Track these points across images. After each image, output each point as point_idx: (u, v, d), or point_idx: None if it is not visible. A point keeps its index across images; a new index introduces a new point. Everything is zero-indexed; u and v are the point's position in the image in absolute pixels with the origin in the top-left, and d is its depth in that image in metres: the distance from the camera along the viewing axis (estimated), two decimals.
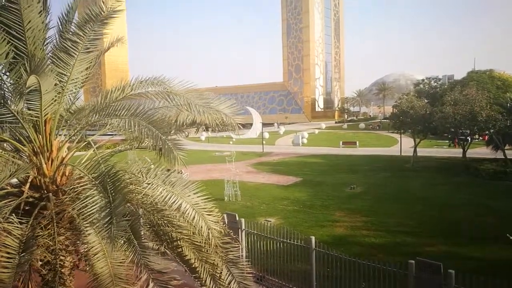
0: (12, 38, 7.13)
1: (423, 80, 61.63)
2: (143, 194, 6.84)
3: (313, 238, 11.77)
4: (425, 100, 42.72)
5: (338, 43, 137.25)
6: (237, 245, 8.30)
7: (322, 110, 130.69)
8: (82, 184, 6.50)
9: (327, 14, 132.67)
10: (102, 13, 7.75)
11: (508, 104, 35.38)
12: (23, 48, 7.26)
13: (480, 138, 50.58)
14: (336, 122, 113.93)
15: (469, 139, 41.68)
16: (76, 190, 6.59)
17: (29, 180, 6.90)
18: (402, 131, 44.17)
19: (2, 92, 7.61)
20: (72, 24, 8.32)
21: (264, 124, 76.43)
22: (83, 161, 7.38)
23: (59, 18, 8.35)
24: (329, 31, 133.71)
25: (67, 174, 7.52)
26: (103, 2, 7.80)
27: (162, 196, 6.51)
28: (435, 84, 55.45)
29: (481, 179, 30.61)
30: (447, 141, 53.34)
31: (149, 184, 6.78)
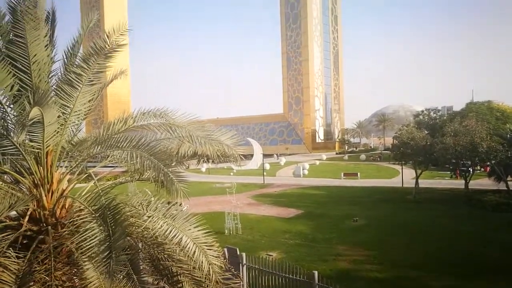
0: (18, 71, 7.24)
1: (422, 111, 62.08)
2: (144, 228, 6.73)
3: (315, 273, 11.50)
4: (425, 131, 42.90)
5: (337, 76, 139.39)
6: (238, 281, 8.10)
7: (323, 141, 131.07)
8: (81, 216, 6.41)
9: (326, 48, 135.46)
10: (106, 46, 7.89)
11: (508, 135, 35.49)
12: (28, 81, 7.36)
13: (482, 169, 50.42)
14: (336, 153, 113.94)
15: (471, 170, 41.53)
16: (75, 223, 6.48)
17: (28, 212, 6.80)
18: (403, 162, 44.09)
19: (6, 124, 7.64)
20: (77, 57, 8.48)
21: (265, 155, 76.44)
22: (83, 193, 7.31)
23: (64, 52, 8.52)
24: (328, 64, 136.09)
25: (67, 207, 7.43)
26: (107, 36, 7.96)
27: (163, 229, 6.41)
28: (435, 115, 55.79)
29: (484, 211, 30.24)
30: (449, 172, 53.14)
31: (149, 217, 6.69)
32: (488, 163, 38.32)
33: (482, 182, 43.72)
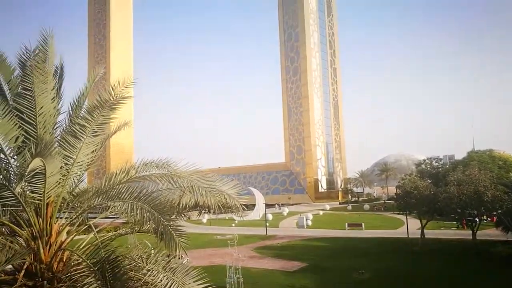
0: (23, 123, 7.36)
1: (424, 160, 62.14)
2: (143, 282, 6.50)
3: None
4: (428, 180, 42.59)
5: (338, 125, 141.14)
6: None
7: (325, 190, 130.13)
8: (79, 271, 6.21)
9: (326, 98, 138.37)
10: (111, 99, 8.08)
11: None
12: (33, 132, 7.45)
13: (489, 219, 49.48)
14: (340, 203, 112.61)
15: (477, 220, 40.73)
16: (72, 277, 6.28)
17: (25, 266, 6.61)
18: (407, 212, 43.37)
19: (8, 175, 7.64)
20: (82, 109, 8.65)
21: (267, 205, 75.53)
22: (82, 246, 7.15)
23: (70, 104, 8.71)
24: (329, 114, 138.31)
25: (64, 260, 7.23)
26: (112, 89, 8.17)
27: (163, 284, 6.18)
28: (437, 164, 55.75)
29: (494, 263, 29.27)
30: (455, 222, 52.03)
31: (149, 270, 6.48)
32: (495, 213, 37.65)
33: (490, 233, 42.72)
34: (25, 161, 7.21)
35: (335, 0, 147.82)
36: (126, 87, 8.35)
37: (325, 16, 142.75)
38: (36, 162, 6.03)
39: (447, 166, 52.20)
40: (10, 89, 7.85)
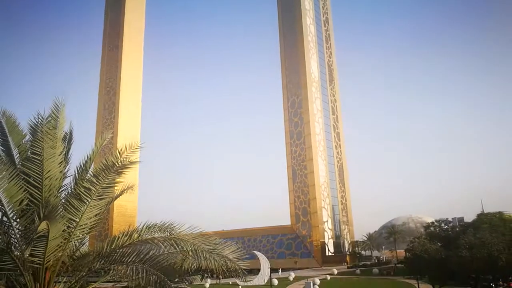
0: (29, 186, 7.47)
1: (433, 222, 60.71)
2: None
3: None
4: (438, 244, 41.33)
5: (344, 188, 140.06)
6: None
7: (333, 254, 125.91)
8: None
9: (331, 161, 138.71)
10: (118, 163, 8.24)
11: None
12: (38, 195, 7.53)
13: (505, 284, 47.25)
14: (348, 267, 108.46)
15: (493, 285, 38.93)
16: None
17: None
18: (418, 276, 41.60)
19: (8, 239, 7.60)
20: (88, 172, 8.80)
21: (272, 270, 72.90)
22: None
23: (76, 168, 8.87)
24: (334, 177, 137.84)
25: None
26: (119, 153, 8.35)
27: None
28: (446, 226, 54.39)
29: None
30: None
31: None
32: (511, 278, 36.09)
33: None
34: (28, 224, 7.21)
35: (336, 69, 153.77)
36: (133, 152, 8.55)
37: (327, 84, 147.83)
38: (42, 225, 6.06)
39: (457, 229, 50.83)
40: (19, 153, 8.07)
